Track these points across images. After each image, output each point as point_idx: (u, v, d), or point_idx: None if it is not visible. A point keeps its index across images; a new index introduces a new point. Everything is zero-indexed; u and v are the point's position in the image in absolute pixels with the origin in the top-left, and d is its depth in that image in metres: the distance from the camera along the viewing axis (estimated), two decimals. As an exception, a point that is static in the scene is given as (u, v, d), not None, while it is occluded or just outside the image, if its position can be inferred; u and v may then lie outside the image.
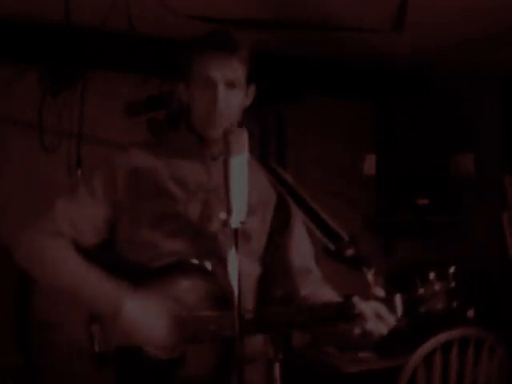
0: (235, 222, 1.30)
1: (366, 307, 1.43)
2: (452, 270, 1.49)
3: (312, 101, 3.60)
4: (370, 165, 3.64)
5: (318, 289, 1.66)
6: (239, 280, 1.29)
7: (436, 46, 3.29)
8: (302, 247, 1.71)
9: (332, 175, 3.66)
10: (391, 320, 1.46)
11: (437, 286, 1.48)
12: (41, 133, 3.02)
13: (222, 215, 1.30)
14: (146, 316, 1.45)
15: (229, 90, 1.55)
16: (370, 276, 1.46)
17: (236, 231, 1.29)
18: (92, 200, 1.58)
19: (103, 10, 2.54)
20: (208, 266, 1.51)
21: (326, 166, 3.65)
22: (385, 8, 2.61)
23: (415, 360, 2.51)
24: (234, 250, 1.29)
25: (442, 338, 2.55)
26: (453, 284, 1.48)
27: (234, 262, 1.30)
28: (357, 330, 1.46)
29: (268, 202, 1.66)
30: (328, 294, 1.64)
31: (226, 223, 1.29)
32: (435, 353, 2.53)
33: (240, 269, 1.42)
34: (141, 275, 1.52)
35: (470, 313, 1.49)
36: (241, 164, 1.32)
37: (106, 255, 1.59)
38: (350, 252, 1.44)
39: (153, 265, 1.53)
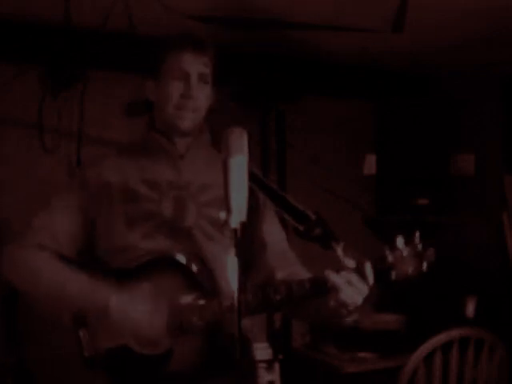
0: (235, 222, 1.29)
1: (337, 278, 1.47)
2: (417, 234, 1.53)
3: (312, 101, 3.60)
4: (370, 165, 3.64)
5: (294, 270, 1.68)
6: (239, 280, 1.29)
7: (436, 46, 3.29)
8: (274, 231, 1.75)
9: (332, 175, 3.66)
10: (364, 288, 1.48)
11: (405, 252, 1.51)
12: (41, 133, 3.02)
13: (222, 215, 1.30)
14: (132, 311, 1.49)
15: (201, 83, 1.62)
16: (339, 249, 1.51)
17: (236, 231, 1.29)
18: (66, 212, 1.65)
19: (103, 10, 2.54)
20: (182, 260, 1.56)
21: (325, 166, 3.65)
22: (385, 8, 2.61)
23: (415, 360, 2.51)
24: (234, 250, 1.29)
25: (441, 338, 2.55)
26: (420, 247, 1.52)
27: (234, 262, 1.29)
28: (332, 302, 1.48)
29: None
30: (303, 275, 1.64)
31: (225, 223, 1.29)
32: (435, 353, 2.53)
33: (218, 259, 1.57)
34: (120, 276, 1.56)
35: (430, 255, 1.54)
36: (240, 164, 1.32)
37: (87, 263, 1.63)
38: (317, 231, 1.52)
39: (131, 265, 1.58)
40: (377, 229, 3.70)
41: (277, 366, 3.09)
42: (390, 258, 1.51)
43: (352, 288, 1.47)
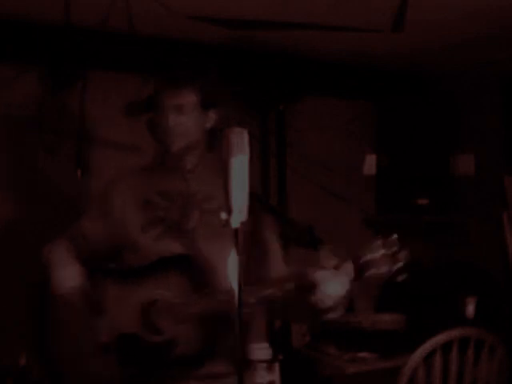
0: (235, 222, 1.29)
1: (319, 275, 1.64)
2: (395, 236, 1.65)
3: (312, 101, 3.60)
4: (370, 165, 3.64)
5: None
6: (240, 280, 1.29)
7: (436, 46, 3.29)
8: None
9: (332, 175, 3.66)
10: (344, 282, 1.65)
11: (380, 252, 1.65)
12: (41, 133, 3.02)
13: (223, 215, 1.30)
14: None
15: (178, 115, 1.84)
16: (322, 251, 1.78)
17: (236, 231, 1.29)
18: (97, 221, 1.96)
19: (103, 10, 2.54)
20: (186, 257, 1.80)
21: (326, 165, 3.65)
22: (385, 8, 2.62)
23: (415, 360, 2.51)
24: (235, 249, 1.29)
25: (441, 338, 2.55)
26: (395, 249, 1.64)
27: (235, 261, 1.29)
28: (312, 296, 1.64)
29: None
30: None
31: (226, 223, 1.29)
32: (435, 353, 2.53)
33: (217, 259, 1.78)
34: (129, 275, 1.86)
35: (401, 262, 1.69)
36: (241, 164, 1.32)
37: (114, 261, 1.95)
38: (306, 237, 1.89)
39: (138, 264, 1.85)
40: (377, 229, 3.70)
41: (277, 366, 3.09)
42: (367, 257, 1.64)
43: (330, 283, 1.63)
